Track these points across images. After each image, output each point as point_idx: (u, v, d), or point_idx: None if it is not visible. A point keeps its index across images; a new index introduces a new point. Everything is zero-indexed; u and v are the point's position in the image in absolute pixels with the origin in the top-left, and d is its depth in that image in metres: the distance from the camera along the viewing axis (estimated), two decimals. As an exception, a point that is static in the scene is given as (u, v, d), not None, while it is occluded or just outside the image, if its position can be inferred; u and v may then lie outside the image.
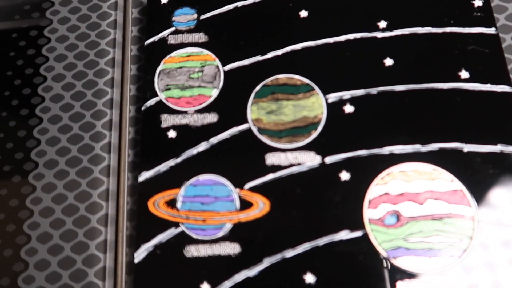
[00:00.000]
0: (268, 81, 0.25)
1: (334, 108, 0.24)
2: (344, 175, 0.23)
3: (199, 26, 0.26)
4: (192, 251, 0.22)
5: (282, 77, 0.25)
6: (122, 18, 0.28)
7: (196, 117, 0.25)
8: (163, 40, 0.26)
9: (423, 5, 0.26)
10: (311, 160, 0.23)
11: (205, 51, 0.26)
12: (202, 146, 0.24)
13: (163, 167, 0.24)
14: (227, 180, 0.23)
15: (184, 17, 0.27)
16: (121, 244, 0.23)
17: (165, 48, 0.26)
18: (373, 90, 0.24)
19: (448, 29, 0.25)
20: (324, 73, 0.25)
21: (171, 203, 0.23)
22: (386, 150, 0.23)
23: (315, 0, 0.26)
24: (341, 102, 0.24)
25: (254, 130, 0.24)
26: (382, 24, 0.25)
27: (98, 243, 0.23)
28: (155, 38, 0.27)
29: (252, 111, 0.24)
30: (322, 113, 0.24)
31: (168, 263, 0.22)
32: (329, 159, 0.23)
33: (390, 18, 0.26)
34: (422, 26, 0.25)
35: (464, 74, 0.24)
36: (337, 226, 0.22)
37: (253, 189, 0.23)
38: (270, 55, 0.25)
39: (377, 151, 0.23)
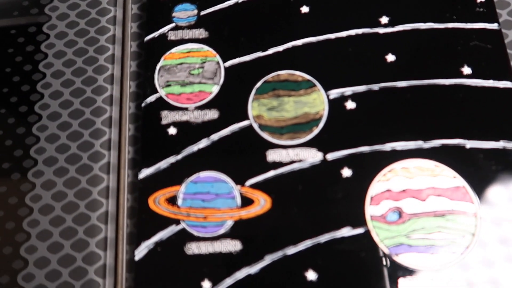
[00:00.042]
0: (269, 77, 0.25)
1: (336, 105, 0.24)
2: (346, 172, 0.23)
3: (200, 22, 0.26)
4: (193, 248, 0.22)
5: (283, 73, 0.25)
6: (122, 14, 0.27)
7: (196, 114, 0.24)
8: (163, 36, 0.26)
9: (425, 0, 0.25)
10: (312, 156, 0.23)
11: (206, 47, 0.26)
12: (203, 143, 0.24)
13: (163, 164, 0.23)
14: (228, 177, 0.23)
15: (184, 13, 0.27)
16: (122, 241, 0.23)
17: (165, 44, 0.26)
18: (375, 86, 0.24)
19: (450, 25, 0.25)
20: (326, 69, 0.25)
21: (172, 200, 0.23)
22: (388, 146, 0.23)
23: (316, -5, 0.26)
24: (343, 98, 0.24)
25: (255, 126, 0.24)
26: (384, 19, 0.25)
27: (98, 240, 0.23)
28: (155, 34, 0.26)
29: (253, 108, 0.24)
30: (324, 110, 0.24)
31: (169, 261, 0.22)
32: (330, 156, 0.23)
33: (392, 13, 0.25)
34: (424, 22, 0.25)
35: (467, 70, 0.24)
36: (339, 223, 0.22)
37: (254, 186, 0.23)
38: (271, 51, 0.25)
39: (379, 147, 0.23)
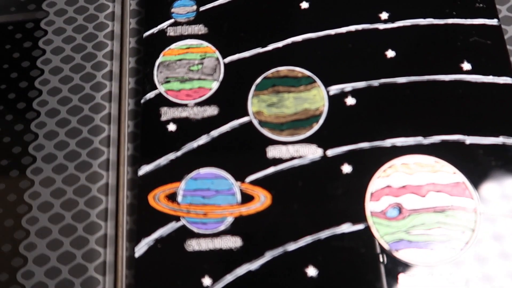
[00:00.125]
0: (268, 73, 0.25)
1: (336, 101, 0.24)
2: (346, 168, 0.23)
3: (199, 18, 0.26)
4: (193, 245, 0.22)
5: (283, 69, 0.25)
6: (120, 10, 0.27)
7: (196, 110, 0.24)
8: (162, 32, 0.26)
9: (425, -4, 0.25)
10: (312, 153, 0.23)
11: (205, 43, 0.26)
12: (203, 139, 0.24)
13: (163, 160, 0.23)
14: (228, 173, 0.23)
15: (183, 8, 0.27)
16: (121, 238, 0.23)
17: (164, 40, 0.26)
18: (375, 82, 0.24)
19: (450, 21, 0.25)
20: (326, 65, 0.25)
21: (172, 197, 0.23)
22: (388, 142, 0.23)
23: (316, -9, 0.26)
24: (343, 95, 0.24)
25: (255, 123, 0.24)
26: (384, 15, 0.25)
27: (98, 237, 0.23)
28: (154, 30, 0.26)
29: (253, 104, 0.24)
30: (324, 106, 0.24)
31: (169, 257, 0.22)
32: (330, 152, 0.23)
33: (391, 9, 0.25)
34: (424, 18, 0.25)
35: (466, 66, 0.24)
36: (339, 219, 0.22)
37: (254, 183, 0.23)
38: (270, 47, 0.25)
39: (379, 143, 0.23)
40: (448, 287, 0.20)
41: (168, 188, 0.23)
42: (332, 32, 0.25)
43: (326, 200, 0.22)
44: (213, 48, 0.25)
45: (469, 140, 0.23)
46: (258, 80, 0.25)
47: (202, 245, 0.22)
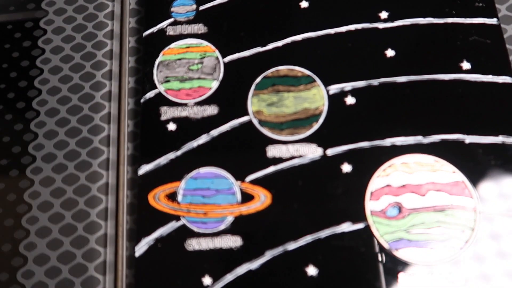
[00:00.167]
0: (268, 72, 0.25)
1: (336, 100, 0.24)
2: (346, 167, 0.23)
3: (198, 17, 0.26)
4: (193, 244, 0.22)
5: (282, 68, 0.25)
6: (120, 9, 0.27)
7: (196, 110, 0.24)
8: (162, 31, 0.26)
9: (424, -5, 0.25)
10: (312, 152, 0.23)
11: (205, 43, 0.26)
12: (203, 139, 0.24)
13: (163, 160, 0.23)
14: (228, 173, 0.23)
15: (183, 7, 0.26)
16: (121, 238, 0.23)
17: (164, 40, 0.26)
18: (375, 82, 0.24)
19: (449, 20, 0.25)
20: (325, 65, 0.25)
21: (172, 196, 0.23)
22: (388, 141, 0.23)
23: (315, -10, 0.26)
24: (343, 94, 0.24)
25: (255, 122, 0.24)
26: (384, 14, 0.25)
27: (98, 237, 0.23)
28: (154, 29, 0.26)
29: (253, 103, 0.24)
30: (323, 105, 0.24)
31: (169, 257, 0.22)
32: (330, 151, 0.23)
33: (391, 8, 0.25)
34: (424, 17, 0.25)
35: (466, 65, 0.24)
36: (339, 218, 0.22)
37: (254, 182, 0.23)
38: (270, 46, 0.25)
39: (379, 142, 0.23)
40: (448, 286, 0.20)
41: (168, 188, 0.23)
42: (331, 31, 0.25)
43: (326, 199, 0.22)
44: (213, 48, 0.25)
45: (469, 139, 0.23)
46: (258, 79, 0.25)
47: (202, 245, 0.22)
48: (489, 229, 0.21)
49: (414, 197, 0.22)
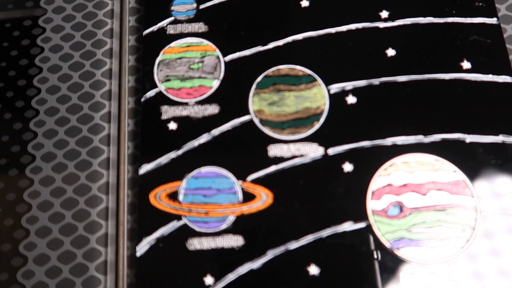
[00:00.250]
0: (269, 71, 0.25)
1: (337, 99, 0.24)
2: (347, 167, 0.23)
3: (199, 16, 0.26)
4: (195, 244, 0.22)
5: (283, 67, 0.25)
6: (119, 7, 0.27)
7: (197, 109, 0.24)
8: (162, 30, 0.26)
9: (425, -6, 0.25)
10: (314, 151, 0.23)
11: (205, 41, 0.26)
12: (204, 138, 0.24)
13: (164, 159, 0.23)
14: (230, 172, 0.23)
15: (183, 6, 0.26)
16: (122, 237, 0.22)
17: (164, 38, 0.26)
18: (376, 81, 0.24)
19: (450, 19, 0.25)
20: (326, 64, 0.25)
21: (173, 196, 0.23)
22: (389, 141, 0.23)
23: (316, -11, 0.26)
24: (344, 93, 0.24)
25: (256, 121, 0.24)
26: (384, 14, 0.25)
27: (98, 236, 0.23)
28: (154, 28, 0.26)
29: (254, 102, 0.24)
30: (325, 104, 0.24)
31: (170, 256, 0.22)
32: (332, 151, 0.23)
33: (392, 8, 0.25)
34: (424, 16, 0.25)
35: (466, 64, 0.24)
36: (341, 217, 0.22)
37: (255, 181, 0.23)
38: (271, 45, 0.25)
39: (380, 142, 0.23)
40: (449, 285, 0.21)
41: (169, 187, 0.23)
42: (332, 30, 0.25)
43: (327, 198, 0.22)
44: (214, 46, 0.25)
45: (469, 138, 0.23)
46: (259, 78, 0.25)
47: (203, 244, 0.22)
48: (490, 228, 0.21)
49: (415, 196, 0.22)
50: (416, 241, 0.21)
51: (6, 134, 0.25)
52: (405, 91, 0.24)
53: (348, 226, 0.22)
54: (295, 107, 0.24)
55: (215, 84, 0.25)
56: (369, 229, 0.21)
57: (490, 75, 0.24)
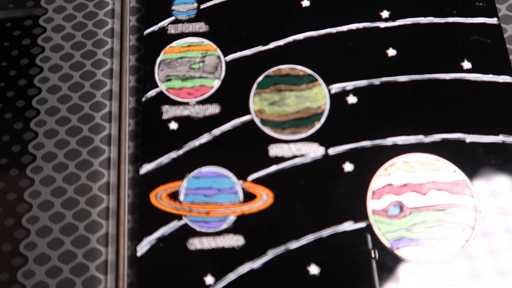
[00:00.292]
0: (270, 71, 0.25)
1: (337, 99, 0.24)
2: (348, 166, 0.23)
3: (200, 16, 0.26)
4: (195, 243, 0.22)
5: (284, 67, 0.25)
6: (120, 7, 0.27)
7: (197, 108, 0.24)
8: (163, 29, 0.26)
9: (425, -6, 0.26)
10: (314, 151, 0.23)
11: (206, 41, 0.26)
12: (204, 138, 0.24)
13: (165, 159, 0.23)
14: (230, 172, 0.23)
15: (184, 6, 0.26)
16: (123, 237, 0.23)
17: (165, 38, 0.26)
18: (376, 81, 0.24)
19: (450, 19, 0.25)
20: (327, 64, 0.25)
21: (174, 196, 0.23)
22: (389, 141, 0.23)
23: (317, -11, 0.26)
24: (344, 93, 0.24)
25: (257, 121, 0.24)
26: (385, 14, 0.25)
27: (99, 236, 0.23)
28: (155, 27, 0.26)
29: (255, 102, 0.24)
30: (325, 104, 0.24)
31: (171, 256, 0.22)
32: (332, 150, 0.23)
33: (392, 8, 0.25)
34: (425, 16, 0.25)
35: (467, 64, 0.24)
36: (341, 217, 0.22)
37: (256, 181, 0.23)
38: (272, 45, 0.25)
39: (380, 142, 0.23)
40: (449, 284, 0.21)
41: (170, 187, 0.23)
42: (333, 30, 0.25)
43: (328, 198, 0.22)
44: (214, 46, 0.25)
45: (470, 138, 0.23)
46: (260, 78, 0.25)
47: (204, 244, 0.22)
48: (489, 228, 0.21)
49: (416, 196, 0.22)
50: (416, 240, 0.21)
51: (6, 134, 0.25)
52: (405, 91, 0.24)
53: (348, 225, 0.22)
54: (295, 107, 0.24)
55: (216, 84, 0.25)
56: (369, 229, 0.22)
57: (491, 75, 0.24)
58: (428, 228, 0.21)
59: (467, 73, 0.24)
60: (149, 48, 0.26)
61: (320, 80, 0.24)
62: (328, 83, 0.24)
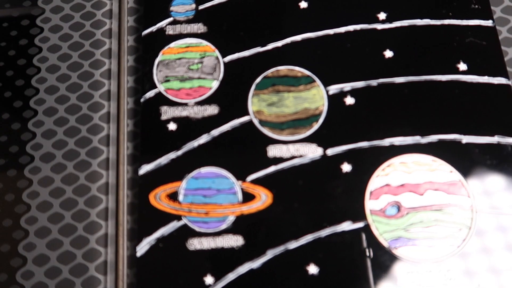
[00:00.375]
0: (268, 72, 0.25)
1: (335, 100, 0.24)
2: (346, 167, 0.23)
3: (198, 16, 0.26)
4: (195, 244, 0.22)
5: (282, 68, 0.25)
6: (118, 7, 0.27)
7: (196, 109, 0.24)
8: (161, 30, 0.26)
9: (422, -3, 0.26)
10: (312, 152, 0.23)
11: (204, 42, 0.26)
12: (203, 139, 0.24)
13: (163, 160, 0.23)
14: (229, 172, 0.23)
15: (182, 7, 0.26)
16: (122, 237, 0.23)
17: (163, 39, 0.26)
18: (373, 82, 0.24)
19: (446, 21, 0.25)
20: (325, 65, 0.25)
21: (173, 196, 0.23)
22: (387, 141, 0.23)
23: (314, -9, 0.26)
24: (342, 94, 0.24)
25: (256, 122, 0.24)
26: (382, 15, 0.26)
27: (98, 237, 0.23)
28: (153, 28, 0.26)
29: (253, 103, 0.24)
30: (323, 105, 0.24)
31: (171, 257, 0.22)
32: (330, 151, 0.23)
33: (389, 9, 0.26)
34: (421, 18, 0.25)
35: (462, 66, 0.24)
36: (339, 217, 0.22)
37: (255, 182, 0.23)
38: (270, 46, 0.25)
39: (378, 142, 0.23)
40: (446, 283, 0.21)
41: (169, 187, 0.23)
42: (331, 32, 0.25)
43: (326, 198, 0.22)
44: (213, 47, 0.25)
45: (465, 139, 0.23)
46: (258, 79, 0.25)
47: (204, 244, 0.22)
48: (485, 227, 0.22)
49: (413, 196, 0.22)
50: (413, 240, 0.22)
51: (4, 134, 0.25)
52: (402, 92, 0.24)
53: (346, 225, 0.22)
54: (294, 108, 0.24)
55: (215, 84, 0.25)
56: (367, 228, 0.22)
57: (486, 77, 0.24)
58: (425, 228, 0.22)
59: (463, 74, 0.24)
60: (147, 49, 0.26)
61: (318, 81, 0.24)
62: (326, 84, 0.24)
